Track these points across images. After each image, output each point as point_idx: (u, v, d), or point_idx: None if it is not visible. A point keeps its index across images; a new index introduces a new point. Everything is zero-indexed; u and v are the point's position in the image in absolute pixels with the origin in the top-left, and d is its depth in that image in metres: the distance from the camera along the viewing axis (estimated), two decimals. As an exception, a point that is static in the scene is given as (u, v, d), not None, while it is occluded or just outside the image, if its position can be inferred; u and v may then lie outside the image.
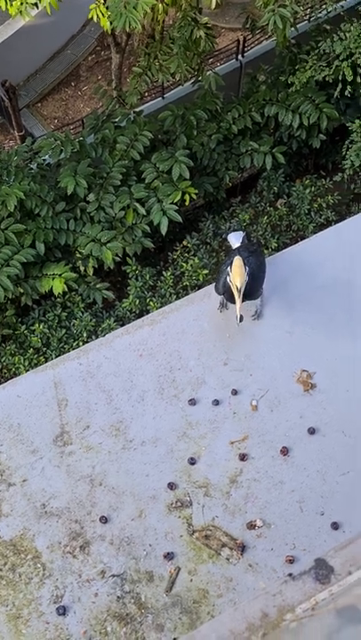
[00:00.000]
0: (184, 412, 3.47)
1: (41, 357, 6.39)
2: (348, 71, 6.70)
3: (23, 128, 8.87)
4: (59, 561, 3.12)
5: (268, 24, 6.10)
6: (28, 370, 5.99)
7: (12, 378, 4.97)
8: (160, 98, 7.99)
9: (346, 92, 6.84)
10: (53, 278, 6.50)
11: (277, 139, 7.53)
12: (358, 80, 6.80)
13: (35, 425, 3.41)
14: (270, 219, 7.15)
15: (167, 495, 3.26)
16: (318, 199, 7.21)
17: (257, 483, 3.28)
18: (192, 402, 3.49)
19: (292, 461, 3.32)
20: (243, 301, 3.44)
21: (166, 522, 3.20)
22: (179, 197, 6.60)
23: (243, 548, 3.12)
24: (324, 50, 6.91)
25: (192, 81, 7.33)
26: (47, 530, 3.18)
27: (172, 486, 3.28)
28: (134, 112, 7.26)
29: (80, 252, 6.70)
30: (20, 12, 5.76)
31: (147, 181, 6.78)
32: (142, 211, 6.66)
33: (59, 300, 6.64)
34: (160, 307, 5.77)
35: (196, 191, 6.77)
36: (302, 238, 6.08)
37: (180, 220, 6.72)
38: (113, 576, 3.08)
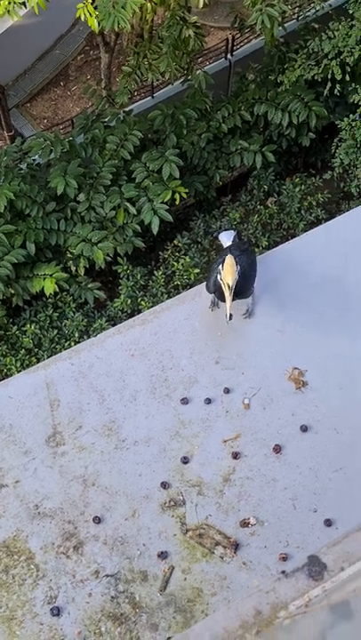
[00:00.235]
0: (176, 411, 3.47)
1: (33, 358, 6.38)
2: (337, 70, 6.72)
3: (13, 128, 8.85)
4: (52, 562, 3.11)
5: (256, 23, 6.11)
6: (19, 371, 5.97)
7: (3, 379, 4.95)
8: (150, 97, 7.99)
9: (335, 91, 6.86)
10: (44, 278, 6.49)
11: (267, 137, 7.54)
12: (347, 78, 6.83)
13: (27, 426, 3.40)
14: (261, 217, 7.17)
15: (160, 494, 3.26)
16: (308, 197, 7.23)
17: (250, 481, 3.29)
18: (184, 401, 3.49)
19: (285, 459, 3.33)
20: (233, 300, 3.44)
21: (160, 521, 3.19)
22: (169, 197, 6.60)
23: (236, 546, 3.12)
24: (312, 49, 6.93)
25: (181, 80, 7.33)
26: (40, 531, 3.17)
27: (165, 485, 3.27)
28: (124, 111, 7.26)
29: (71, 252, 6.69)
30: (8, 11, 5.75)
31: (137, 181, 6.77)
32: (133, 210, 6.65)
33: (50, 300, 6.62)
34: (151, 306, 5.76)
35: (187, 190, 6.77)
36: (293, 236, 6.10)
37: (171, 220, 6.72)
38: (107, 576, 3.08)
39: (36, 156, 7.01)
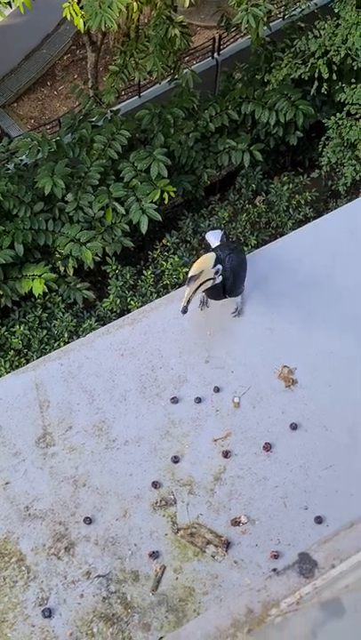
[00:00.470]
0: (166, 410, 3.46)
1: (22, 359, 6.35)
2: (324, 68, 6.74)
3: (-1, 128, 8.80)
4: (43, 563, 3.10)
5: (241, 22, 6.12)
6: (8, 372, 5.94)
7: (-8, 380, 4.91)
8: (137, 96, 7.97)
9: (322, 90, 6.88)
10: (33, 279, 6.46)
11: (255, 136, 7.55)
12: (334, 77, 6.85)
13: (17, 427, 3.39)
14: (249, 216, 7.18)
15: (151, 494, 3.25)
16: (296, 196, 7.25)
17: (241, 479, 3.29)
18: (174, 400, 3.48)
19: (275, 457, 3.33)
20: (224, 298, 3.45)
21: (151, 521, 3.19)
22: (158, 196, 6.59)
23: (228, 545, 3.12)
24: (299, 47, 6.94)
25: (169, 79, 7.33)
26: (31, 532, 3.16)
27: (156, 485, 3.27)
28: (111, 111, 7.24)
29: (59, 253, 6.66)
30: (-6, 11, 5.71)
31: (125, 180, 6.76)
32: (121, 210, 6.64)
33: (39, 300, 6.60)
34: (141, 305, 5.77)
35: (175, 189, 6.77)
36: (281, 235, 6.11)
37: (160, 219, 6.71)
38: (98, 577, 3.07)
39: (24, 156, 6.98)
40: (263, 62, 7.57)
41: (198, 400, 3.48)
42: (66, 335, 6.36)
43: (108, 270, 6.70)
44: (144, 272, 6.69)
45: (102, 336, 3.67)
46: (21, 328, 6.39)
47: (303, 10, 7.50)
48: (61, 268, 6.67)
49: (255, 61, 7.67)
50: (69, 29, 9.90)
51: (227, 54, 8.32)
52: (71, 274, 6.67)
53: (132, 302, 6.43)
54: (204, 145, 7.31)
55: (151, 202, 6.59)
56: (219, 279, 3.42)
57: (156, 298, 5.96)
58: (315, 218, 6.57)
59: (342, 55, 6.72)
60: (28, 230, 6.53)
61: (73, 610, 3.00)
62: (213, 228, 6.65)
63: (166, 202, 6.78)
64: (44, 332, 6.43)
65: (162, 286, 6.64)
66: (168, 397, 3.49)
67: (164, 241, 6.97)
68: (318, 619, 1.76)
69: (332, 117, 7.00)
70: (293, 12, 7.69)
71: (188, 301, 3.34)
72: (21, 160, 7.04)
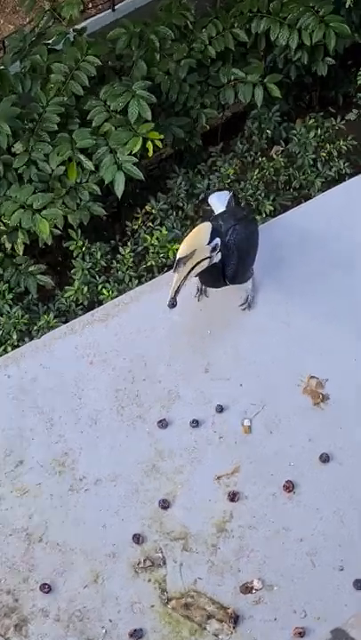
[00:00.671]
0: (152, 437, 3.48)
1: None
2: (364, -29, 6.75)
3: None
4: (-14, 647, 3.11)
5: None
6: None
7: None
8: (109, 10, 7.97)
9: (361, 1, 6.89)
10: (-32, 260, 6.46)
11: (270, 64, 7.56)
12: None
13: None
14: (263, 173, 7.18)
15: (132, 551, 3.27)
16: (327, 145, 7.26)
17: (253, 530, 3.31)
18: (163, 424, 3.50)
19: (300, 500, 3.35)
20: (224, 286, 3.47)
21: (132, 588, 3.20)
22: (139, 146, 6.58)
23: (236, 620, 3.14)
24: None
25: (152, -14, 7.33)
26: (-32, 605, 3.17)
27: (138, 539, 3.28)
28: (74, 30, 7.23)
29: (5, 224, 6.66)
30: None
31: (94, 125, 6.75)
32: (89, 165, 6.63)
33: (-24, 290, 6.60)
34: (116, 295, 5.77)
35: (162, 137, 6.76)
36: (306, 199, 6.13)
37: (142, 177, 6.71)
38: (61, 664, 3.09)
39: None
40: None
41: (195, 423, 3.50)
42: (14, 336, 6.36)
43: (71, 247, 6.70)
44: (121, 250, 6.69)
45: (64, 337, 3.69)
46: None
47: None
48: (7, 245, 6.67)
49: None
50: None
51: None
52: (21, 253, 6.66)
53: (104, 291, 6.44)
54: (201, 76, 7.31)
55: (130, 154, 6.59)
56: (217, 258, 3.41)
57: (137, 285, 5.97)
58: (352, 175, 6.60)
59: None
60: None
61: None
62: (219, 189, 6.65)
63: (150, 154, 6.77)
64: (-16, 332, 6.43)
65: (145, 269, 6.64)
66: (154, 420, 3.51)
67: (147, 207, 6.98)
68: None
69: (376, 38, 7.01)
70: None
71: (177, 291, 3.35)
72: None
